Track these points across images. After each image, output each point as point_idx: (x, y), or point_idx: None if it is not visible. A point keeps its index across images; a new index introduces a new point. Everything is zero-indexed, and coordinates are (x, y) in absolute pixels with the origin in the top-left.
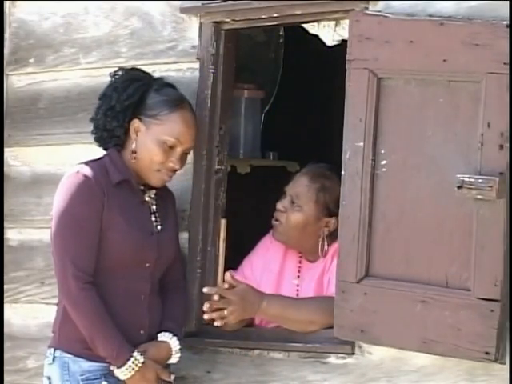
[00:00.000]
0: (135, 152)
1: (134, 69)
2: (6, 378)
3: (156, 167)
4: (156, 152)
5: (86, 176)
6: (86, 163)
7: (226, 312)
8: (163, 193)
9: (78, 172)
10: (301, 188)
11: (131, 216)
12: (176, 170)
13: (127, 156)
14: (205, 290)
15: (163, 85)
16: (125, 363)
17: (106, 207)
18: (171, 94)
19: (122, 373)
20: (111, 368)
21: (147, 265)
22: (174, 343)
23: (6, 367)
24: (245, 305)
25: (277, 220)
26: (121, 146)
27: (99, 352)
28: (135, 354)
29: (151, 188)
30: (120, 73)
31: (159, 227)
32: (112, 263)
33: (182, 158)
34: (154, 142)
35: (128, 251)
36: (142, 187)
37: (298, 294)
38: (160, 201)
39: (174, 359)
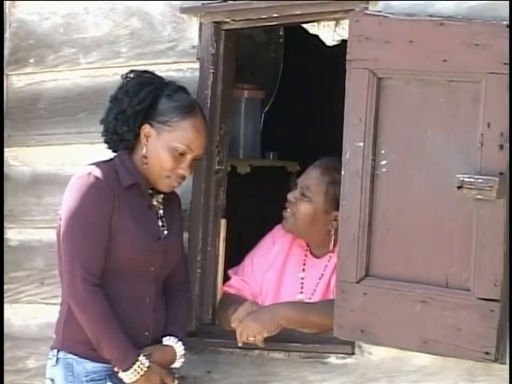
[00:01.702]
0: (145, 157)
1: (145, 71)
2: (6, 378)
3: (166, 173)
4: (166, 159)
5: (97, 178)
6: (97, 165)
7: (250, 339)
8: (170, 196)
9: (89, 173)
10: (311, 180)
11: (139, 220)
12: (185, 177)
13: (137, 160)
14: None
15: (175, 89)
16: (130, 367)
17: (116, 210)
18: (183, 100)
19: (127, 376)
20: (115, 370)
21: (152, 268)
22: (179, 348)
23: (6, 367)
24: (258, 316)
25: (287, 211)
26: (131, 150)
27: (105, 355)
28: (141, 357)
29: (159, 192)
30: (132, 75)
31: (166, 232)
32: (118, 266)
33: (192, 165)
34: (165, 148)
35: (135, 255)
36: (150, 191)
37: (302, 288)
38: (167, 205)
39: (177, 363)
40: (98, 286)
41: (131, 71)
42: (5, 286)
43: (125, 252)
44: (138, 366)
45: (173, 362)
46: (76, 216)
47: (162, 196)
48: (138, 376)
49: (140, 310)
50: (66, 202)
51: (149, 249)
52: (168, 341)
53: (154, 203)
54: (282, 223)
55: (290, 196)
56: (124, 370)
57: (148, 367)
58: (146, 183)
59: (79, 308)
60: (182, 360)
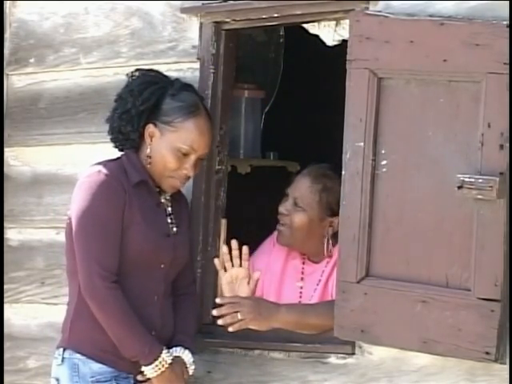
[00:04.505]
0: (150, 157)
1: (151, 70)
2: (6, 379)
3: (169, 174)
4: (170, 159)
5: (107, 175)
6: (104, 163)
7: (239, 315)
8: (177, 196)
9: (99, 171)
10: (303, 190)
11: (149, 217)
12: (189, 177)
13: (143, 159)
14: (217, 300)
15: (180, 88)
16: (157, 358)
17: (127, 206)
18: (187, 100)
19: (152, 369)
20: (142, 363)
21: (162, 266)
22: (187, 356)
23: (6, 367)
24: (259, 308)
25: (282, 224)
26: (137, 148)
27: (128, 351)
28: (163, 353)
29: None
30: (137, 74)
31: (175, 229)
32: (128, 262)
33: (197, 165)
34: (168, 148)
35: (145, 251)
36: (157, 189)
37: (301, 297)
38: (175, 203)
39: (189, 371)
40: (116, 283)
41: (137, 70)
42: (5, 286)
43: (134, 247)
44: (160, 362)
45: (183, 371)
46: (88, 214)
47: (169, 194)
48: (159, 372)
49: (148, 308)
50: (77, 201)
51: (158, 245)
52: (175, 352)
53: (162, 201)
54: (277, 238)
55: (281, 209)
56: (149, 364)
57: (170, 364)
58: (152, 181)
59: (99, 305)
60: (193, 367)
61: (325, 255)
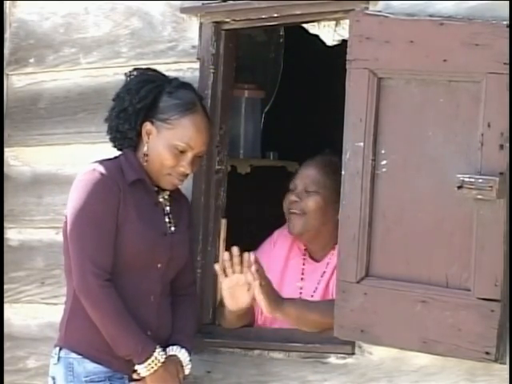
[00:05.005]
0: (147, 155)
1: (149, 69)
2: (6, 378)
3: (167, 171)
4: (167, 156)
5: (102, 174)
6: (101, 162)
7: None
8: (177, 195)
9: (94, 170)
10: (313, 174)
11: (145, 215)
12: (187, 175)
13: (140, 157)
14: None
15: (177, 86)
16: (149, 357)
17: (122, 204)
18: (184, 98)
19: (144, 368)
20: (135, 362)
21: (159, 265)
22: (183, 355)
23: (6, 367)
24: (269, 291)
25: (293, 213)
26: (135, 148)
27: (121, 349)
28: (156, 353)
29: (164, 189)
30: (135, 73)
31: (172, 228)
32: (124, 262)
33: (194, 162)
34: (165, 146)
35: (141, 250)
36: (155, 188)
37: (300, 296)
38: (173, 202)
39: (185, 371)
40: (110, 281)
41: (135, 69)
42: (5, 286)
43: (130, 246)
44: (153, 361)
45: (178, 370)
46: (82, 213)
47: (167, 193)
48: (152, 370)
49: (144, 308)
50: (72, 199)
51: (155, 244)
52: (171, 351)
53: (160, 200)
54: (288, 228)
55: (292, 197)
56: (142, 362)
57: (163, 363)
58: (150, 180)
59: (92, 304)
60: (189, 367)
61: (333, 245)
